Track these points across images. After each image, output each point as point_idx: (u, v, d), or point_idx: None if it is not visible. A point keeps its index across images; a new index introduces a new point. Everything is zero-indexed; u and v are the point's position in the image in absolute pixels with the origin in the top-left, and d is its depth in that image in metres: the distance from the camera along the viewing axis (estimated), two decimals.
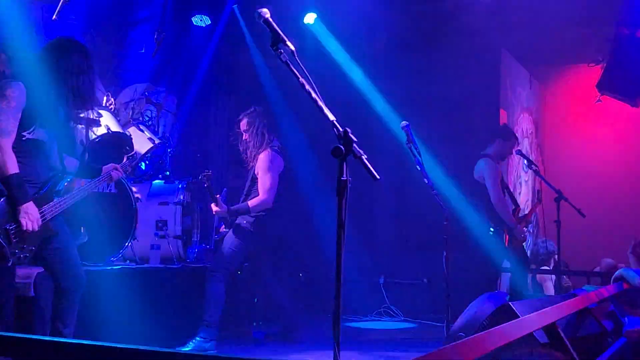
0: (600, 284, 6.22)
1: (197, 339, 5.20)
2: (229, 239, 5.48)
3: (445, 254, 4.90)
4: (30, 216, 3.46)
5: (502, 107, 8.39)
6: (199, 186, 5.99)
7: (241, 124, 5.67)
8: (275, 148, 5.60)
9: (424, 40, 7.93)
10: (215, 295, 5.31)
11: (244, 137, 5.64)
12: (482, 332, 2.42)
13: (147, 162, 6.33)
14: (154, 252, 5.49)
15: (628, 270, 4.59)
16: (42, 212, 3.57)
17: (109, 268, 4.92)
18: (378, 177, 2.50)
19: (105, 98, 5.78)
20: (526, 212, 6.80)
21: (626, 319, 3.99)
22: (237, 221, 5.51)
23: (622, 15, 6.73)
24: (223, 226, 5.72)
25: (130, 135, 5.66)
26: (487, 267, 6.00)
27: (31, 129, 3.53)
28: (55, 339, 1.62)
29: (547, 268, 7.82)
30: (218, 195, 5.45)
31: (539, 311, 2.95)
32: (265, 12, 2.64)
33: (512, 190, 6.98)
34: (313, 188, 7.74)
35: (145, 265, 5.32)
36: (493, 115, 8.14)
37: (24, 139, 3.52)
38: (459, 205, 6.39)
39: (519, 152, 6.78)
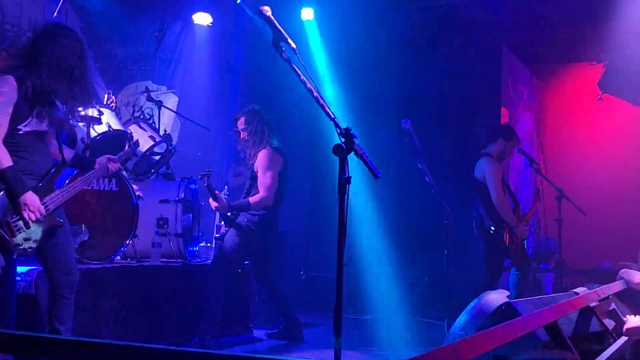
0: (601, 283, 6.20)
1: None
2: (230, 238, 5.48)
3: (446, 252, 4.90)
4: (30, 207, 3.43)
5: (504, 105, 8.38)
6: (199, 184, 5.99)
7: (238, 122, 5.64)
8: (275, 146, 5.56)
9: (425, 38, 7.91)
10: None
11: (242, 136, 5.63)
12: (483, 331, 2.41)
13: (148, 160, 6.32)
14: (155, 250, 5.48)
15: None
16: (45, 203, 3.54)
17: (109, 266, 4.92)
18: (379, 175, 2.50)
19: (106, 96, 5.78)
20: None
21: (627, 317, 3.99)
22: (237, 220, 5.50)
23: None
24: (224, 225, 5.72)
25: (132, 133, 5.66)
26: (488, 266, 5.98)
27: (26, 122, 3.49)
28: (56, 337, 1.61)
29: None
30: (218, 192, 5.45)
31: (540, 310, 2.95)
32: (267, 10, 2.63)
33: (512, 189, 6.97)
34: (314, 186, 7.73)
35: (146, 263, 5.32)
36: (494, 113, 8.13)
37: (20, 132, 3.48)
38: (460, 204, 6.38)
39: (521, 150, 6.77)
